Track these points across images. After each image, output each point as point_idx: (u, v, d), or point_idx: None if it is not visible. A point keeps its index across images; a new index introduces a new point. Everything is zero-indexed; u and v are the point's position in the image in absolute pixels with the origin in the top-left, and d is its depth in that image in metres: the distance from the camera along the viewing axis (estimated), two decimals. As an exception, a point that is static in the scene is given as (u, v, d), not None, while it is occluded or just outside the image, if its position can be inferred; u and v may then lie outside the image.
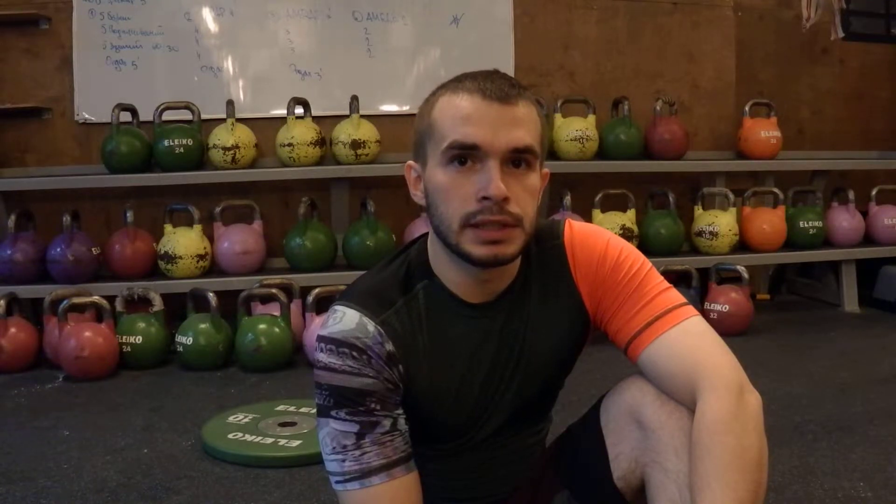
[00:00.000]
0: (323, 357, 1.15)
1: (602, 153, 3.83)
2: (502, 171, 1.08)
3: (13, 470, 2.14)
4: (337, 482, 1.16)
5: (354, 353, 1.13)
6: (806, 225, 3.95)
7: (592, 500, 1.24)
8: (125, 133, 3.47)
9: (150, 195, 3.65)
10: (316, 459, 2.03)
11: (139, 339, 3.12)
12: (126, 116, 3.52)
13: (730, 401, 1.08)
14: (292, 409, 2.56)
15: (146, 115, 3.51)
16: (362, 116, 3.63)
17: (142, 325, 3.14)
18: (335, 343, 1.14)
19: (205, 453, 2.25)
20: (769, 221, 3.92)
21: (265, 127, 3.70)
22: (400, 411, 1.17)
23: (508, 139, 1.08)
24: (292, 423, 2.41)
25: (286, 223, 3.72)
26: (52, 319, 3.10)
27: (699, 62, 4.23)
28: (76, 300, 3.07)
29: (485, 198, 1.07)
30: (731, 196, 3.86)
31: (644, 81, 4.15)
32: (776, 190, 3.99)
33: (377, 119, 3.73)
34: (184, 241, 3.43)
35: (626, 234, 3.63)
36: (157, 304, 3.19)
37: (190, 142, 3.49)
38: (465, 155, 1.09)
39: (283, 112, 3.60)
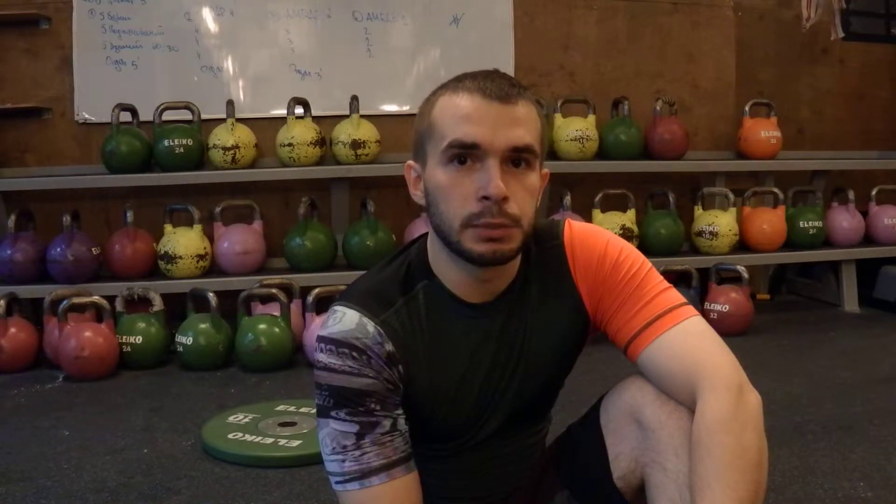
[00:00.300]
0: (323, 357, 1.15)
1: (602, 153, 3.83)
2: (502, 171, 1.08)
3: (13, 470, 2.14)
4: (337, 482, 1.16)
5: (354, 354, 1.13)
6: (806, 225, 3.95)
7: (592, 500, 1.24)
8: (125, 133, 3.47)
9: (150, 195, 3.65)
10: (316, 459, 2.03)
11: (139, 339, 3.12)
12: (126, 116, 3.52)
13: (730, 401, 1.08)
14: (292, 409, 2.56)
15: (146, 115, 3.51)
16: (362, 116, 3.63)
17: (142, 325, 3.14)
18: (335, 343, 1.14)
19: (205, 453, 2.25)
20: (769, 221, 3.92)
21: (265, 127, 3.70)
22: (400, 411, 1.17)
23: (508, 138, 1.09)
24: (292, 423, 2.41)
25: (286, 223, 3.72)
26: (52, 319, 3.10)
27: (699, 62, 4.23)
28: (76, 300, 3.07)
29: (485, 197, 1.08)
30: (731, 196, 3.86)
31: (644, 81, 4.15)
32: (776, 190, 3.99)
33: (377, 119, 3.73)
34: (184, 241, 3.43)
35: (626, 234, 3.63)
36: (157, 304, 3.19)
37: (190, 142, 3.49)
38: (464, 154, 1.09)
39: (283, 112, 3.60)
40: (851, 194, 4.06)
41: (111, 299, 3.16)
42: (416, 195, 1.19)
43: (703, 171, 4.06)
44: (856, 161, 4.36)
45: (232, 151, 3.51)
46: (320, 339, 1.16)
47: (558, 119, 3.79)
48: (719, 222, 3.81)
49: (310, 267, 3.50)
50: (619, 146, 3.81)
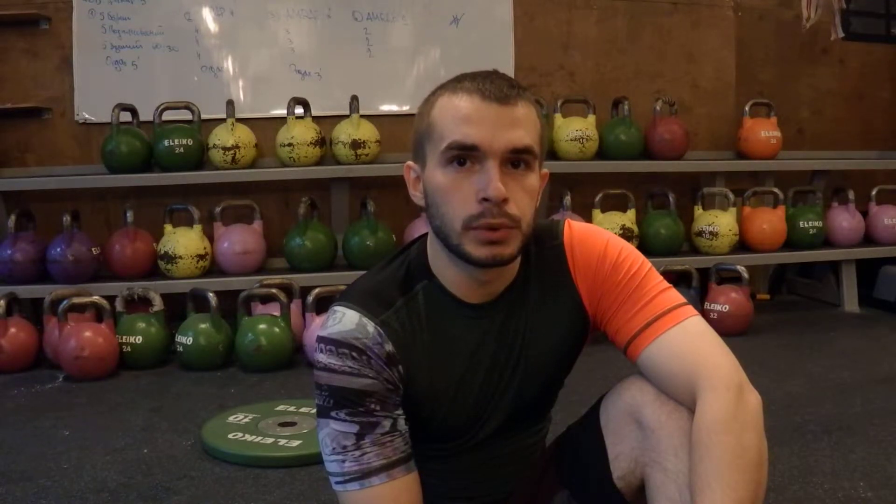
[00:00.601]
0: (323, 358, 1.15)
1: (602, 153, 3.83)
2: (501, 172, 1.08)
3: (13, 470, 2.14)
4: (337, 483, 1.16)
5: (354, 354, 1.13)
6: (806, 225, 3.95)
7: (592, 500, 1.24)
8: (125, 133, 3.47)
9: (150, 195, 3.65)
10: (316, 459, 2.03)
11: (139, 339, 3.12)
12: (126, 116, 3.52)
13: (729, 400, 1.08)
14: (292, 409, 2.56)
15: (146, 115, 3.51)
16: (362, 116, 3.63)
17: (142, 325, 3.14)
18: (335, 344, 1.14)
19: (205, 453, 2.25)
20: (769, 221, 3.92)
21: (265, 127, 3.70)
22: (400, 412, 1.17)
23: (507, 140, 1.08)
24: (292, 423, 2.41)
25: (286, 223, 3.72)
26: (52, 319, 3.10)
27: (699, 62, 4.23)
28: (76, 300, 3.07)
29: (484, 199, 1.08)
30: (731, 196, 3.86)
31: (644, 81, 4.15)
32: (776, 190, 3.99)
33: (377, 119, 3.73)
34: (184, 241, 3.43)
35: (626, 234, 3.63)
36: (157, 304, 3.20)
37: (190, 142, 3.49)
38: (464, 156, 1.09)
39: (283, 112, 3.60)
40: (851, 194, 4.07)
41: (111, 299, 3.16)
42: (416, 196, 1.19)
43: (703, 171, 4.06)
44: (856, 161, 4.36)
45: (232, 151, 3.51)
46: (320, 339, 1.16)
47: (558, 119, 3.79)
48: (719, 222, 3.81)
49: (310, 267, 3.50)
50: (619, 146, 3.81)
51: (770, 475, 1.14)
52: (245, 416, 2.47)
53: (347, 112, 3.62)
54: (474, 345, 1.21)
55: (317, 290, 3.17)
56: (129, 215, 3.45)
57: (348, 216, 3.79)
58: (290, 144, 3.54)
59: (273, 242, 3.64)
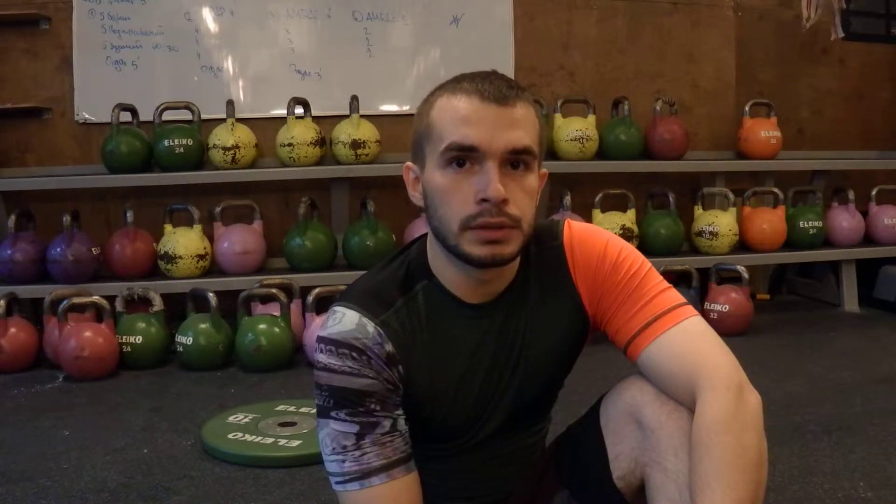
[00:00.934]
0: (323, 358, 1.15)
1: (602, 153, 3.83)
2: (501, 173, 1.08)
3: (13, 470, 2.14)
4: (337, 483, 1.16)
5: (354, 354, 1.13)
6: (806, 225, 3.95)
7: (592, 500, 1.24)
8: (125, 133, 3.47)
9: (150, 195, 3.65)
10: (316, 459, 2.03)
11: (139, 339, 3.12)
12: (126, 116, 3.52)
13: (729, 400, 1.08)
14: (292, 409, 2.56)
15: (146, 115, 3.51)
16: (362, 116, 3.63)
17: (142, 325, 3.14)
18: (335, 344, 1.14)
19: (205, 453, 2.25)
20: (769, 221, 3.92)
21: (265, 127, 3.70)
22: (400, 412, 1.17)
23: (506, 140, 1.08)
24: (292, 423, 2.41)
25: (286, 223, 3.72)
26: (52, 319, 3.10)
27: (699, 62, 4.23)
28: (76, 300, 3.07)
29: (484, 200, 1.08)
30: (731, 196, 3.86)
31: (644, 81, 4.15)
32: (776, 190, 3.99)
33: (377, 119, 3.72)
34: (184, 241, 3.43)
35: (626, 234, 3.63)
36: (157, 304, 3.20)
37: (190, 142, 3.49)
38: (463, 157, 1.09)
39: (283, 112, 3.60)
40: (851, 194, 4.07)
41: (111, 299, 3.16)
42: (415, 197, 1.19)
43: (703, 171, 4.06)
44: (856, 161, 4.36)
45: (232, 151, 3.51)
46: (320, 339, 1.16)
47: (558, 119, 3.79)
48: (719, 222, 3.81)
49: (310, 267, 3.50)
50: (619, 146, 3.81)
51: (770, 475, 1.14)
52: (245, 416, 2.47)
53: (347, 112, 3.62)
54: (474, 345, 1.21)
55: (317, 290, 3.17)
56: (129, 215, 3.45)
57: (348, 216, 3.79)
58: (290, 144, 3.54)
59: (273, 242, 3.64)
